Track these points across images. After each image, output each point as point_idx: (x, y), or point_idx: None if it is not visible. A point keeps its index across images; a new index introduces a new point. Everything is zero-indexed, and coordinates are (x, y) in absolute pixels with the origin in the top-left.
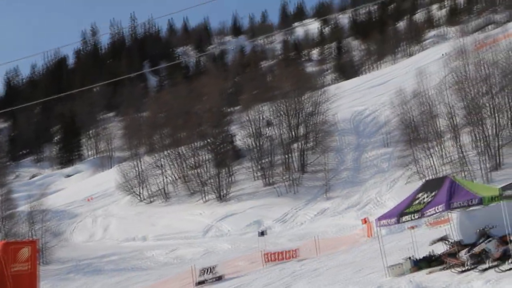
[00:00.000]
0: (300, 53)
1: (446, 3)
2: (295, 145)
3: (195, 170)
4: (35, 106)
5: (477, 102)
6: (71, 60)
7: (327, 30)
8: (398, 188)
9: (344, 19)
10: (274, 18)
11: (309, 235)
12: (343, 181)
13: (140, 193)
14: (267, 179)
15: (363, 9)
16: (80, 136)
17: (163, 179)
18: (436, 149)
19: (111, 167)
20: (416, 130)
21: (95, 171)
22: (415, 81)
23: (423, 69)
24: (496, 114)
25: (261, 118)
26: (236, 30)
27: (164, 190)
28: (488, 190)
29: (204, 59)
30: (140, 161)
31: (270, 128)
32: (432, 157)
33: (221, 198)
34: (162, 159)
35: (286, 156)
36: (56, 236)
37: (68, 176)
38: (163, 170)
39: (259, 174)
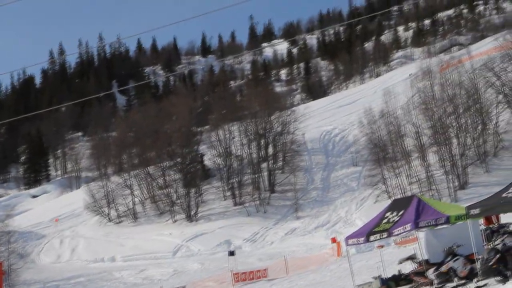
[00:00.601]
0: (268, 73)
1: (411, 24)
2: (264, 164)
3: (164, 190)
4: (1, 125)
5: (444, 122)
6: (38, 80)
7: (295, 50)
8: (367, 207)
9: (312, 39)
10: (243, 38)
11: (278, 255)
12: (313, 200)
13: (108, 213)
14: (236, 198)
15: (331, 29)
16: (47, 156)
17: (132, 199)
18: (405, 168)
19: (78, 187)
20: (384, 149)
21: (63, 191)
22: (383, 101)
23: (391, 89)
24: (462, 134)
25: (230, 136)
26: (205, 49)
27: (133, 210)
28: (454, 209)
29: (173, 79)
30: (109, 181)
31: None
32: (400, 176)
33: (191, 218)
34: (130, 179)
35: (255, 175)
36: (22, 257)
37: (35, 196)
38: (132, 190)
39: (228, 193)
